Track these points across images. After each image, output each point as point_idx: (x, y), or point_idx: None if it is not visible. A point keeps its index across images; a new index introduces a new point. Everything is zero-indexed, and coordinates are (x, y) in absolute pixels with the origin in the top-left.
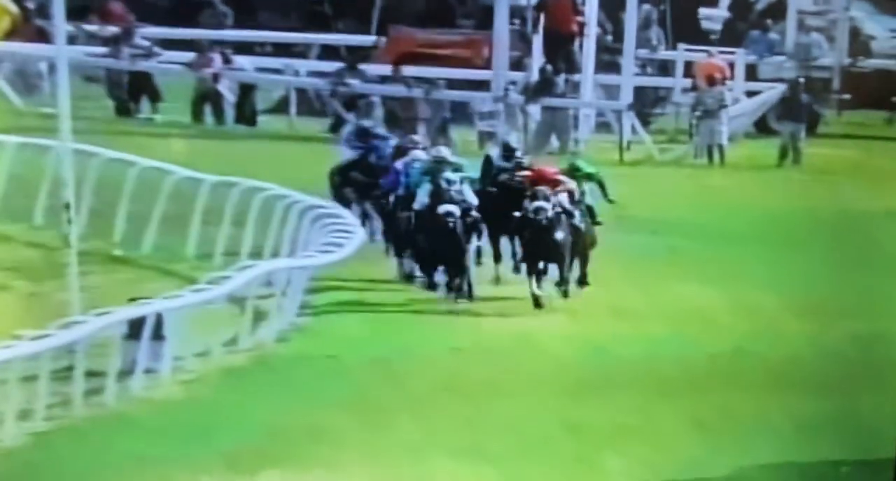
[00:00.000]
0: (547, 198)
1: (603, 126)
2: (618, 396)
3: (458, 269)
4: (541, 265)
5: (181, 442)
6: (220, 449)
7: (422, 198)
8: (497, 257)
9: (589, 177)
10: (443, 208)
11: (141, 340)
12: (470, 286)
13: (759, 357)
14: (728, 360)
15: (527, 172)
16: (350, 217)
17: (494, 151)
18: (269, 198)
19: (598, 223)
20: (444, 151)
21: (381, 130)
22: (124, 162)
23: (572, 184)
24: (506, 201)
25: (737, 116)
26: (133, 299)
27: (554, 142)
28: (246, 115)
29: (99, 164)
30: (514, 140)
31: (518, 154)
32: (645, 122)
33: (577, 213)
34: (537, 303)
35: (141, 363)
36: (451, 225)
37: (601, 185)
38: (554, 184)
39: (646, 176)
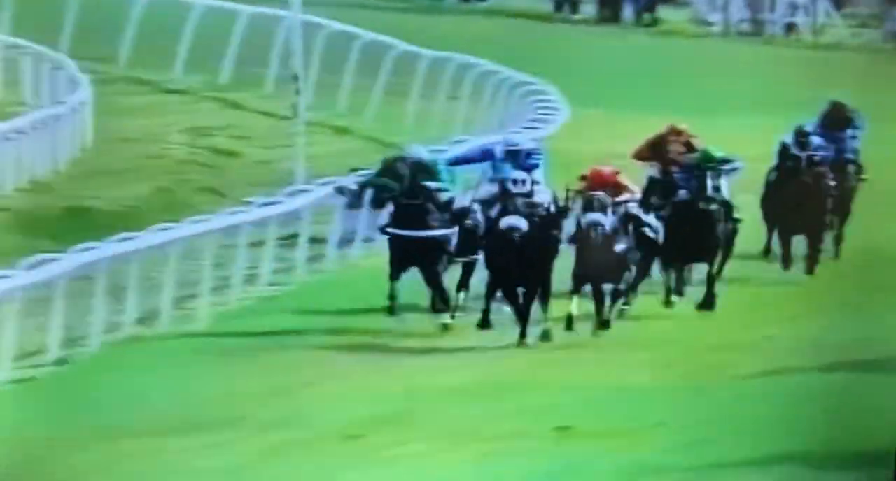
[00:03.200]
0: (604, 208)
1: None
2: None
3: (531, 295)
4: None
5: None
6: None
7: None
8: None
9: (721, 164)
10: (505, 221)
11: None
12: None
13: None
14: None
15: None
16: (555, 94)
17: None
18: (481, 73)
19: (737, 220)
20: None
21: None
22: (349, 34)
23: (635, 190)
24: None
25: None
26: (354, 169)
27: None
28: None
29: (326, 36)
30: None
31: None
32: (838, 6)
33: (651, 220)
34: (569, 324)
35: (360, 232)
36: (515, 241)
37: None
38: (615, 188)
39: (833, 60)
